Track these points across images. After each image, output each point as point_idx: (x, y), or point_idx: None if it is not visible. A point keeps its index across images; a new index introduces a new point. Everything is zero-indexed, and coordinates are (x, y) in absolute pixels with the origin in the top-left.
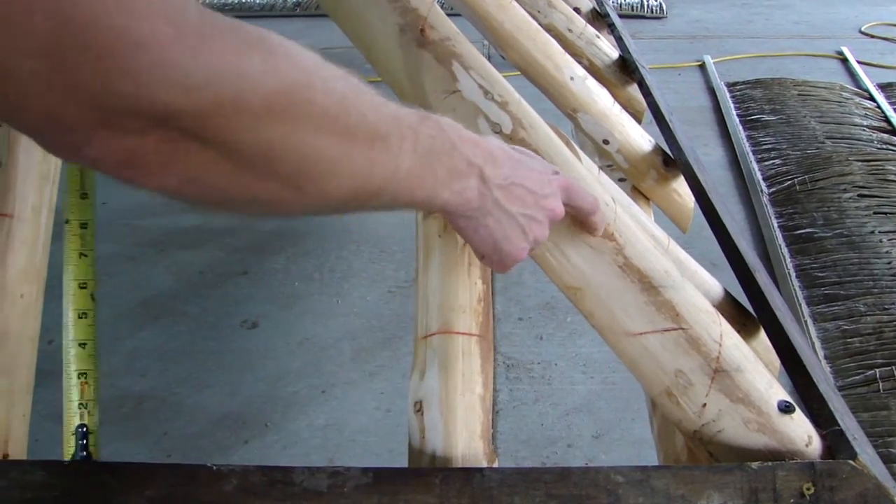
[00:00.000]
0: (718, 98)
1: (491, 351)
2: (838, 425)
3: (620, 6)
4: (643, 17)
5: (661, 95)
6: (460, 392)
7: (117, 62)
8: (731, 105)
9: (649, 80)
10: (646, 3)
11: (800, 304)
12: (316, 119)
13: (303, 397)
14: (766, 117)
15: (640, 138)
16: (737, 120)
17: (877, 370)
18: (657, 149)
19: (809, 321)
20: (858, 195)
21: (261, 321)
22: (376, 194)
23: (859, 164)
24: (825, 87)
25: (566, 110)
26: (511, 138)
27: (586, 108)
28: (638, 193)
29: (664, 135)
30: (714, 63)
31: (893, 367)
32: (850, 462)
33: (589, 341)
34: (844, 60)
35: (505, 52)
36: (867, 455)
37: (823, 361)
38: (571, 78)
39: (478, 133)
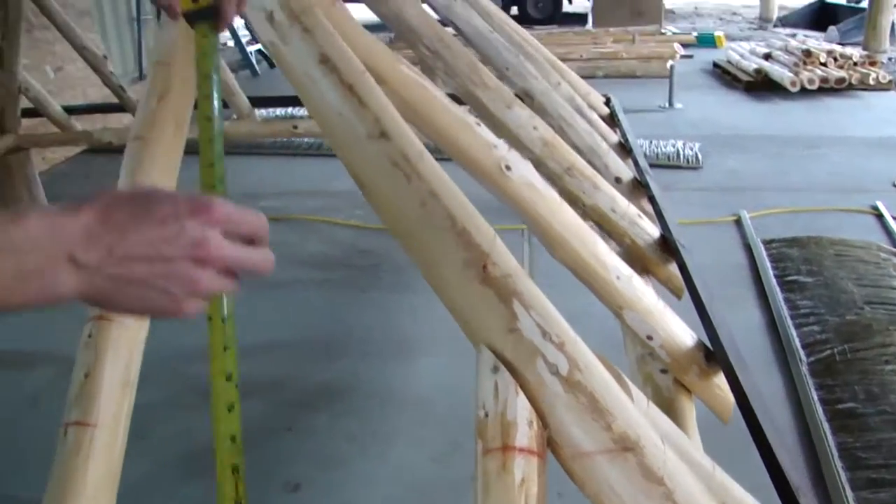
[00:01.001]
0: (755, 256)
1: None
2: None
3: (657, 156)
4: (679, 167)
5: (702, 281)
6: None
7: None
8: (768, 264)
9: (690, 264)
10: (682, 153)
11: (844, 489)
12: None
13: None
14: (802, 278)
15: (682, 334)
16: (774, 281)
17: None
18: (699, 344)
19: None
20: None
21: (303, 483)
22: None
23: None
24: (862, 247)
25: (612, 307)
26: (567, 380)
27: (631, 306)
28: (680, 386)
29: (704, 326)
30: (750, 217)
31: None
32: None
33: None
34: (880, 216)
35: (554, 252)
36: None
37: None
38: (618, 277)
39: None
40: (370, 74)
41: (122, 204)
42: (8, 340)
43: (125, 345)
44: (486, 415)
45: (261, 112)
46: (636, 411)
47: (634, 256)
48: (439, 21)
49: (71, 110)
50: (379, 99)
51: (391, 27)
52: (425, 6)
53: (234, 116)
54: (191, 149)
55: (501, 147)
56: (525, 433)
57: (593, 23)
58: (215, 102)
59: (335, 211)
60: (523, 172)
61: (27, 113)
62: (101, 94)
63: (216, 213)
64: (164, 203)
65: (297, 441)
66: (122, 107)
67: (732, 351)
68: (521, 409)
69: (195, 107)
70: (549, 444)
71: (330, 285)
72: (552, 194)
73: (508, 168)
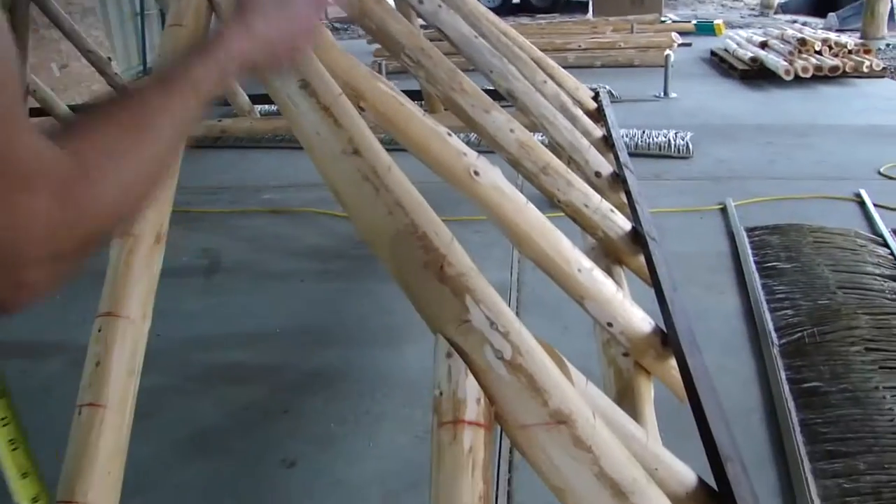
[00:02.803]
0: (737, 243)
1: None
2: None
3: (649, 146)
4: (670, 156)
5: (667, 271)
6: None
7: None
8: (749, 251)
9: (657, 256)
10: (673, 143)
11: (802, 460)
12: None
13: None
14: (781, 265)
15: (640, 322)
16: (753, 267)
17: None
18: (656, 330)
19: (810, 477)
20: (865, 349)
21: (299, 460)
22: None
23: (867, 317)
24: (840, 234)
25: (575, 297)
26: (511, 364)
27: (592, 297)
28: (640, 368)
29: (663, 316)
30: (735, 206)
31: None
32: None
33: None
34: (862, 203)
35: (520, 248)
36: None
37: None
38: (579, 270)
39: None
40: (350, 92)
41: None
42: (23, 332)
43: (130, 338)
44: (441, 393)
45: (261, 108)
46: (572, 390)
47: (607, 249)
48: (424, 26)
49: (77, 109)
50: (353, 119)
51: (377, 40)
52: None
53: (235, 113)
54: (199, 143)
55: (470, 154)
56: (473, 409)
57: (593, 11)
58: None
59: (333, 203)
60: (491, 177)
61: (35, 112)
62: (107, 90)
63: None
64: None
65: (293, 422)
66: None
67: (686, 335)
68: (471, 388)
69: None
70: (496, 418)
71: (326, 275)
72: (518, 196)
73: (477, 173)
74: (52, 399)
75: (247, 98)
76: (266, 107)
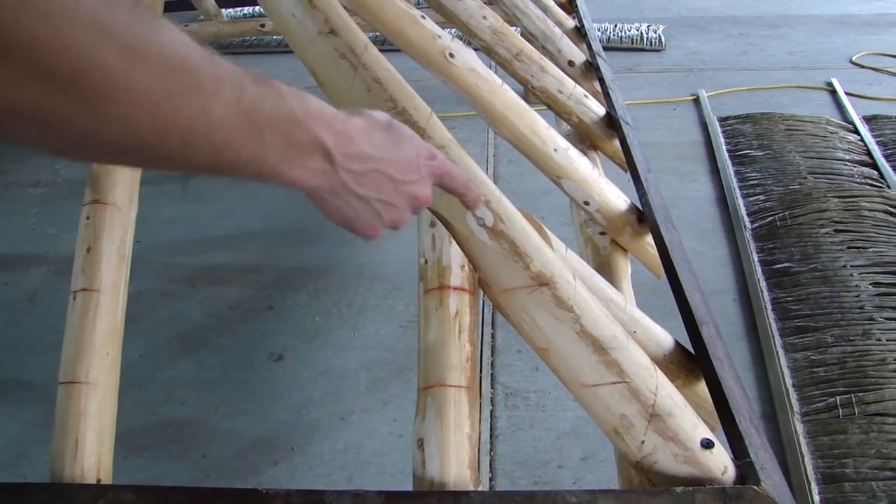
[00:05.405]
0: (710, 133)
1: (477, 399)
2: (749, 458)
3: (621, 39)
4: (643, 49)
5: (641, 153)
6: (452, 432)
7: None
8: (722, 140)
9: (631, 138)
10: (645, 36)
11: (773, 336)
12: (84, 17)
13: (324, 423)
14: (753, 152)
15: (616, 199)
16: (726, 155)
17: (837, 397)
18: (632, 208)
19: (781, 352)
20: (835, 230)
21: (286, 353)
22: (187, 138)
23: (837, 200)
24: (811, 122)
25: (551, 176)
26: (493, 230)
27: (569, 175)
28: (616, 245)
29: (639, 194)
30: (708, 97)
31: (853, 395)
32: (754, 487)
33: None
34: (833, 92)
35: (497, 129)
36: (771, 482)
37: (791, 389)
38: (555, 150)
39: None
40: None
41: (381, 127)
42: (1, 245)
43: (119, 224)
44: (426, 262)
45: (228, 12)
46: (552, 254)
47: (582, 134)
48: None
49: None
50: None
51: None
52: None
53: (201, 17)
54: None
55: (445, 37)
56: (458, 275)
57: None
58: None
59: None
60: (466, 59)
61: None
62: None
63: (443, 166)
64: (410, 140)
65: (279, 318)
66: None
67: (661, 211)
68: (455, 255)
69: None
70: (480, 284)
71: None
72: (493, 77)
73: (452, 55)
74: (37, 307)
75: (213, 1)
76: (233, 11)
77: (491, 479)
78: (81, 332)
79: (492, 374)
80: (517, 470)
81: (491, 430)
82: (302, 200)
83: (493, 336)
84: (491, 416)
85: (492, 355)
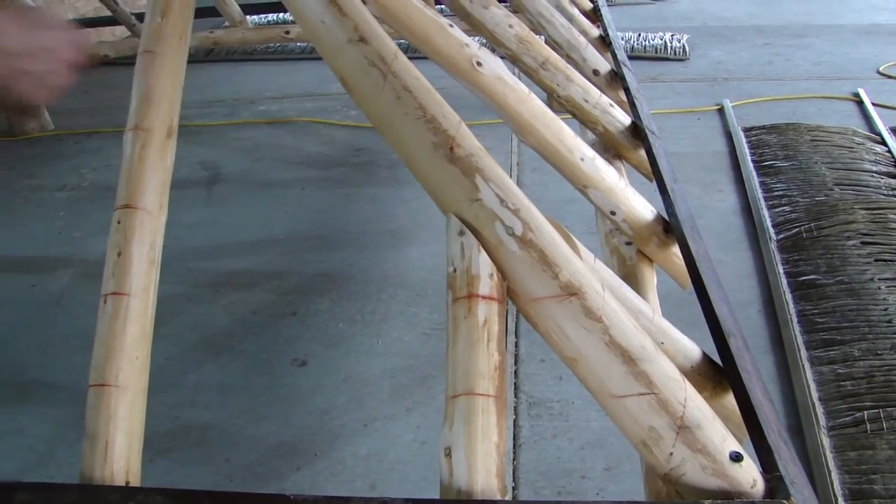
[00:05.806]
0: (735, 143)
1: (505, 408)
2: (779, 471)
3: (645, 48)
4: (667, 59)
5: (667, 163)
6: (480, 441)
7: None
8: (747, 151)
9: (657, 148)
10: (669, 45)
11: (799, 349)
12: None
13: (347, 429)
14: (779, 163)
15: (643, 209)
16: (751, 166)
17: (865, 412)
18: (658, 218)
19: (807, 365)
20: (861, 242)
21: (309, 359)
22: None
23: (864, 212)
24: (837, 133)
25: (578, 186)
26: (521, 239)
27: (595, 185)
28: (642, 256)
29: (665, 204)
30: (732, 106)
31: (881, 410)
32: (784, 502)
33: None
34: (860, 103)
35: (523, 138)
36: (801, 496)
37: (818, 403)
38: (582, 159)
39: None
40: None
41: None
42: (27, 249)
43: (149, 229)
44: (455, 270)
45: (252, 19)
46: (581, 264)
47: (607, 143)
48: None
49: None
50: (357, 7)
51: None
52: None
53: (226, 24)
54: (192, 59)
55: (473, 45)
56: (487, 284)
57: None
58: None
59: (331, 112)
60: (493, 67)
61: None
62: (91, 8)
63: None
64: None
65: (302, 324)
66: (114, 19)
67: (687, 222)
68: (483, 264)
69: None
70: (508, 293)
71: (327, 183)
72: (520, 86)
73: (479, 64)
74: (63, 310)
75: (238, 8)
76: (258, 17)
77: (514, 489)
78: (111, 335)
79: (515, 384)
80: (540, 480)
81: (514, 439)
82: (325, 207)
83: (516, 345)
84: (514, 425)
85: (515, 364)
